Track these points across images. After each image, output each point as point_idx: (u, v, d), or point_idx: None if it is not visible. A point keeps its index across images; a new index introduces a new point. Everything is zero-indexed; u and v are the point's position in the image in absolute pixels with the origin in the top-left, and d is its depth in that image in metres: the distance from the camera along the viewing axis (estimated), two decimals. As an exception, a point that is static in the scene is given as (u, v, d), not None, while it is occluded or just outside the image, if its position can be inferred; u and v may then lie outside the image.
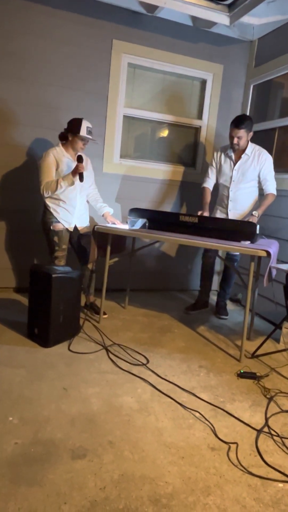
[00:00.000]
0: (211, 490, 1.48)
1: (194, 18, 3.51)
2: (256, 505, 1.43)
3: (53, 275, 2.44)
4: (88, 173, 3.03)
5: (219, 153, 3.30)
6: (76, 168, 2.77)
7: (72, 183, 2.81)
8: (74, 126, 2.83)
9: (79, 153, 2.90)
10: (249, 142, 3.14)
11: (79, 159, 2.81)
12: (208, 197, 3.31)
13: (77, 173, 2.77)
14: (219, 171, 3.29)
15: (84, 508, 1.34)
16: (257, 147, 3.16)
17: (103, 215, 3.15)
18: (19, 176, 3.42)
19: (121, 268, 3.65)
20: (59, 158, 2.84)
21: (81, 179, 2.79)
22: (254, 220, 3.00)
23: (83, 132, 2.81)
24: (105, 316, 3.17)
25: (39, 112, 3.36)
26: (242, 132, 3.02)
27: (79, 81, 3.44)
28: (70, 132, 2.86)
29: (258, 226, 2.65)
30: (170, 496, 1.43)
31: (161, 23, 3.57)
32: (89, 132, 2.86)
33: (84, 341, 2.68)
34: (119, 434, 1.75)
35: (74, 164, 2.90)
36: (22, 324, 2.76)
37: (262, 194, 3.19)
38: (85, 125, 2.83)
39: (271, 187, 3.10)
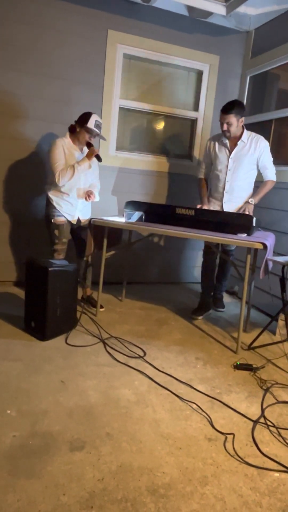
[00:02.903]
0: (208, 480, 1.50)
1: (190, 8, 3.47)
2: (253, 494, 1.45)
3: (50, 269, 2.43)
4: (93, 166, 3.00)
5: (212, 142, 3.18)
6: (92, 151, 2.84)
7: (89, 166, 2.88)
8: (83, 118, 2.84)
9: (88, 141, 2.90)
10: (245, 129, 3.02)
11: (89, 145, 2.87)
12: (205, 189, 3.25)
13: (93, 155, 2.83)
14: (214, 160, 3.15)
15: (83, 499, 1.36)
16: (253, 133, 3.04)
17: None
18: (19, 169, 3.39)
19: (118, 261, 3.64)
20: (66, 148, 2.84)
21: (100, 159, 2.88)
22: (250, 208, 2.97)
23: (90, 124, 2.80)
24: (102, 309, 3.17)
25: (34, 104, 3.32)
26: (230, 118, 2.90)
27: (73, 71, 3.40)
28: (78, 124, 2.85)
29: (254, 219, 2.65)
30: (168, 486, 1.45)
31: (156, 13, 3.52)
32: (97, 126, 2.84)
33: (81, 334, 2.68)
34: (116, 426, 1.76)
35: (79, 154, 2.91)
36: (19, 317, 2.75)
37: (257, 187, 3.17)
38: (94, 118, 2.82)
39: (270, 174, 3.02)
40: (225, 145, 3.09)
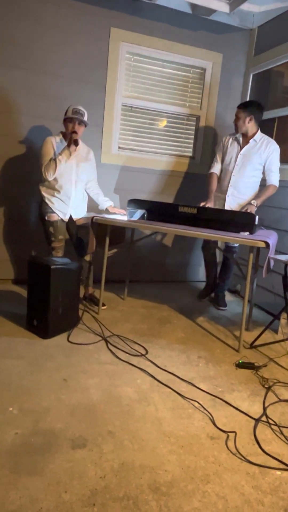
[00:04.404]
0: (210, 478, 1.50)
1: (193, 6, 3.46)
2: (255, 492, 1.45)
3: (52, 267, 2.43)
4: (87, 165, 3.03)
5: (227, 138, 3.30)
6: (70, 138, 2.82)
7: (69, 154, 2.85)
8: (64, 114, 2.89)
9: (74, 131, 2.89)
10: (259, 131, 3.13)
11: (74, 133, 2.86)
12: (214, 184, 3.30)
13: (72, 141, 2.81)
14: (225, 154, 3.27)
15: (85, 496, 1.36)
16: (267, 136, 3.14)
17: (106, 209, 3.16)
18: (17, 166, 3.40)
19: (120, 260, 3.64)
20: (56, 145, 2.86)
21: (76, 143, 2.82)
22: (252, 209, 2.99)
23: (68, 113, 2.84)
24: (104, 307, 3.18)
25: (35, 101, 3.32)
26: (239, 112, 3.06)
27: (76, 69, 3.39)
28: (63, 121, 2.89)
29: (257, 217, 2.64)
30: (170, 484, 1.45)
31: (160, 11, 3.51)
32: (75, 112, 2.85)
33: (83, 332, 2.69)
34: (118, 424, 1.76)
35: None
36: (21, 315, 2.76)
37: (263, 185, 3.18)
38: (71, 108, 2.86)
39: (274, 179, 3.08)
40: (237, 141, 3.21)
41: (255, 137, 3.11)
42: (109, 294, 3.53)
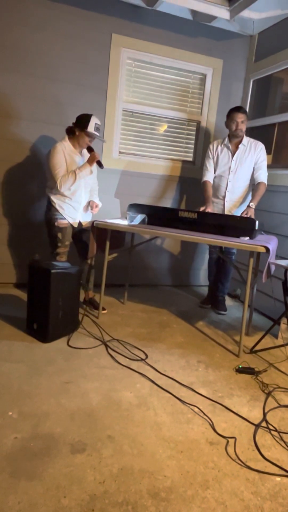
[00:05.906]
0: (210, 484, 1.50)
1: (194, 12, 3.49)
2: (254, 498, 1.45)
3: (52, 271, 2.44)
4: (93, 168, 3.03)
5: (215, 145, 3.34)
6: (93, 157, 2.84)
7: (91, 172, 2.88)
8: (82, 121, 2.82)
9: (89, 145, 2.91)
10: (244, 134, 3.23)
11: (90, 149, 2.87)
12: (210, 191, 3.33)
13: (94, 161, 2.83)
14: (216, 163, 3.33)
15: (84, 501, 1.35)
16: (252, 139, 3.25)
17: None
18: (19, 171, 3.41)
19: (120, 264, 3.65)
20: (66, 153, 2.83)
21: (101, 166, 2.89)
22: (251, 212, 3.03)
23: (90, 128, 2.80)
24: (104, 311, 3.18)
25: (37, 106, 3.34)
26: (244, 117, 3.14)
27: (77, 75, 3.41)
28: (77, 127, 2.84)
29: (257, 222, 2.65)
30: (169, 490, 1.44)
31: (160, 17, 3.54)
32: (97, 129, 2.85)
33: (83, 337, 2.69)
34: (118, 429, 1.76)
35: (79, 159, 2.91)
36: (21, 319, 2.76)
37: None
38: (93, 121, 2.82)
39: (263, 176, 3.18)
40: (227, 147, 3.27)
41: (243, 142, 3.21)
42: (109, 298, 3.53)
